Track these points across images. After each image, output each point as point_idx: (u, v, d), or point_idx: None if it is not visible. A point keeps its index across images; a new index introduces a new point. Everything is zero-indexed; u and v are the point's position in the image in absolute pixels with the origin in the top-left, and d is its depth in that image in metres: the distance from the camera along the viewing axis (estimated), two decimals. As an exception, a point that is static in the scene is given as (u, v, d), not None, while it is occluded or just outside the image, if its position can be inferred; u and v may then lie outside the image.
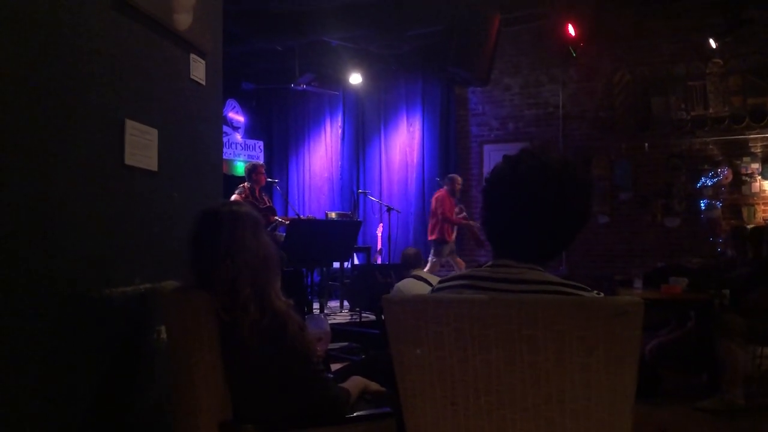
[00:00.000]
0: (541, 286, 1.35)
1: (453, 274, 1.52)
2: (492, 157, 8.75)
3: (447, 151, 9.11)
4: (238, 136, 9.72)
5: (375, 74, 9.26)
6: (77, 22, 1.72)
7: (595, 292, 1.41)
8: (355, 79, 8.99)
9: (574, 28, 7.46)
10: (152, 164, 2.04)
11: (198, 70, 2.34)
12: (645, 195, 7.95)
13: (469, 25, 5.82)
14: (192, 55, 2.31)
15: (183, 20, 2.21)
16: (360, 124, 9.83)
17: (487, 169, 8.62)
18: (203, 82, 2.39)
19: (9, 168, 1.48)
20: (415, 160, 9.35)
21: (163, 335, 2.02)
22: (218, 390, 1.71)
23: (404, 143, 9.48)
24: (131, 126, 1.93)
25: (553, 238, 1.40)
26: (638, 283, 4.93)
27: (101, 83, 1.82)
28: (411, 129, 9.43)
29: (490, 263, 1.45)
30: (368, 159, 9.77)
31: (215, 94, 2.53)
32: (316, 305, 7.04)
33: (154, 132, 2.05)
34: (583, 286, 1.36)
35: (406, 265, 4.83)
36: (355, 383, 2.00)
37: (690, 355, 4.98)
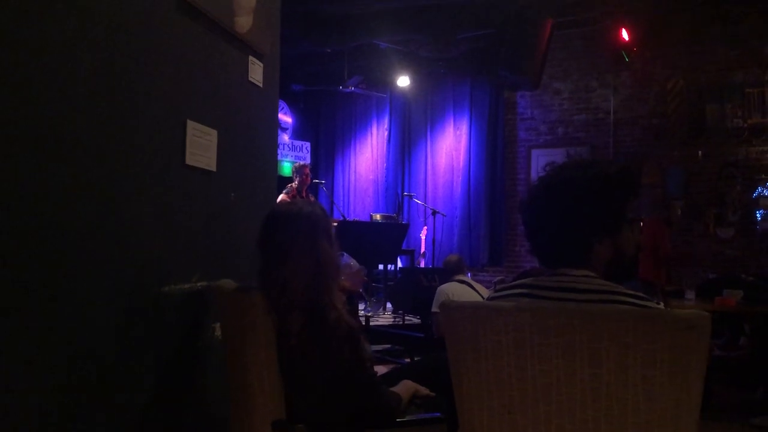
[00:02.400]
0: (602, 295, 1.33)
1: (510, 282, 1.51)
2: (540, 162, 8.65)
3: (494, 155, 9.05)
4: (286, 137, 9.83)
5: (423, 77, 9.26)
6: (143, 24, 1.76)
7: (655, 301, 1.39)
8: (403, 81, 9.00)
9: (627, 32, 7.32)
10: (211, 164, 2.08)
11: (256, 72, 2.38)
12: (697, 204, 7.77)
13: (521, 29, 5.77)
14: (251, 58, 2.34)
15: (243, 23, 2.24)
16: (406, 127, 9.84)
17: (535, 174, 8.52)
18: (261, 84, 2.42)
19: (77, 167, 1.52)
20: (461, 164, 9.31)
21: (218, 332, 2.05)
22: (273, 388, 1.73)
23: (450, 147, 9.45)
24: (192, 126, 1.96)
25: (594, 241, 1.40)
26: (690, 294, 4.82)
27: (165, 84, 1.86)
28: (458, 132, 9.39)
29: (547, 272, 1.44)
30: (414, 162, 9.76)
31: (272, 96, 2.56)
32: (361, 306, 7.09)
33: (214, 133, 2.08)
34: (643, 296, 1.34)
35: (448, 272, 4.84)
36: (406, 387, 2.00)
37: (744, 369, 4.85)
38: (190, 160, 1.96)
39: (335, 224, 6.67)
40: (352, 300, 2.18)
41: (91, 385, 1.57)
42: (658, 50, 7.92)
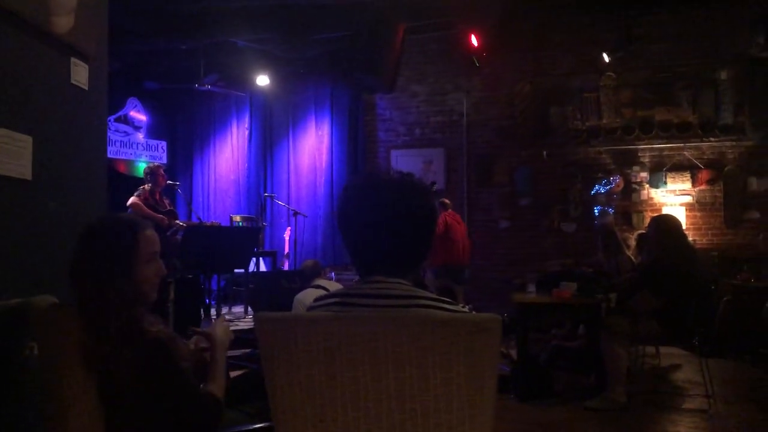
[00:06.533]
0: (408, 300, 1.38)
1: (328, 292, 1.54)
2: (400, 162, 8.85)
3: (355, 155, 9.16)
4: (140, 136, 9.42)
5: (283, 77, 9.19)
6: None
7: (461, 305, 1.47)
8: (263, 81, 8.88)
9: (477, 38, 7.66)
10: (25, 173, 1.96)
11: (80, 74, 2.26)
12: (544, 201, 8.27)
13: (374, 33, 5.87)
14: (73, 59, 2.22)
15: (62, 23, 2.12)
16: (268, 127, 9.73)
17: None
18: (86, 87, 2.31)
19: None
20: (324, 165, 9.35)
21: (36, 351, 1.93)
22: (91, 412, 1.65)
23: (313, 147, 9.45)
24: (1, 134, 1.84)
25: (410, 248, 1.46)
26: (531, 288, 5.12)
27: (-34, 88, 1.73)
28: (320, 133, 9.42)
29: (362, 280, 1.48)
30: (276, 162, 9.68)
31: (99, 99, 2.44)
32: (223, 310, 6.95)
33: (28, 139, 1.96)
34: (449, 300, 1.42)
35: (307, 277, 4.84)
36: (217, 381, 1.92)
37: (581, 356, 5.22)
38: (-2, 169, 1.83)
39: (184, 226, 6.49)
40: None
41: None
42: (507, 56, 8.35)
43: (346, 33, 6.78)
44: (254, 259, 7.69)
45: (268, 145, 9.73)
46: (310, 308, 1.51)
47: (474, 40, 7.27)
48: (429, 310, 1.36)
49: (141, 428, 1.68)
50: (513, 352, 5.07)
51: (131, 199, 6.58)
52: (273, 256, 8.43)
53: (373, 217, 1.43)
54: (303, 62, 8.73)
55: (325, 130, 9.37)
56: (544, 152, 8.19)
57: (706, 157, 7.77)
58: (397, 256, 1.46)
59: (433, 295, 1.40)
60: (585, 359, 5.07)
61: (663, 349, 5.73)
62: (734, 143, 7.66)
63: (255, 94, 9.58)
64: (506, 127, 8.47)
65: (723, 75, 7.68)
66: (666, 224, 4.69)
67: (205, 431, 1.75)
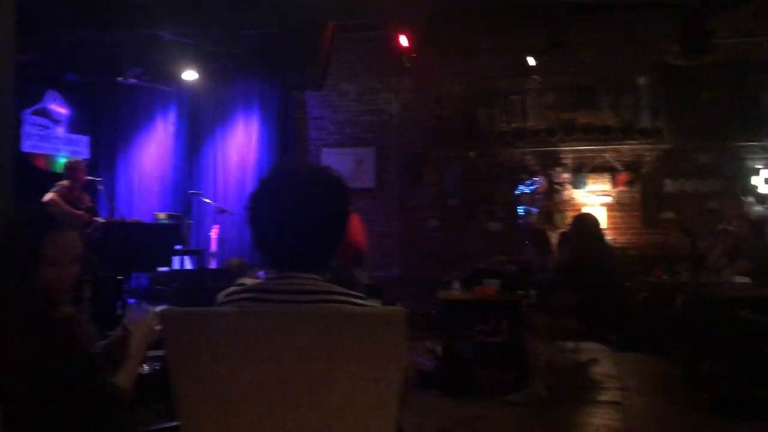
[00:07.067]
0: (320, 296, 1.38)
1: (241, 287, 1.52)
2: (330, 160, 8.81)
3: (285, 153, 9.06)
4: (60, 130, 9.05)
5: (211, 72, 8.99)
6: None
7: (376, 300, 1.48)
8: (190, 75, 8.68)
9: (407, 39, 7.72)
10: None
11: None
12: (472, 201, 8.41)
13: (303, 30, 5.84)
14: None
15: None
16: (195, 123, 9.51)
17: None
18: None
19: None
20: (253, 162, 9.20)
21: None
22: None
23: (242, 144, 9.30)
24: None
25: (320, 242, 1.45)
26: (456, 285, 5.19)
27: None
28: (248, 130, 9.27)
29: (275, 275, 1.46)
30: (203, 158, 9.48)
31: (5, 89, 2.33)
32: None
33: None
34: (360, 295, 1.42)
35: (232, 276, 4.78)
36: (126, 372, 1.87)
37: (504, 351, 5.34)
38: None
39: (104, 223, 6.29)
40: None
41: None
42: (436, 57, 8.41)
43: (276, 29, 6.71)
44: (180, 257, 7.52)
45: (194, 142, 9.51)
46: (221, 303, 1.48)
47: (404, 41, 7.32)
48: (338, 305, 1.36)
49: (40, 418, 1.61)
50: (438, 348, 5.13)
51: (48, 195, 6.32)
52: (199, 255, 8.25)
53: (284, 212, 1.41)
54: (231, 58, 8.58)
55: (254, 126, 9.23)
56: (472, 153, 8.33)
57: (625, 159, 8.07)
58: (309, 252, 1.45)
59: (344, 290, 1.40)
60: (508, 355, 5.18)
61: (582, 344, 5.92)
62: (651, 146, 7.99)
63: (182, 89, 9.34)
64: (435, 127, 8.56)
65: (642, 80, 8.00)
66: (583, 223, 4.85)
67: (106, 420, 1.68)
